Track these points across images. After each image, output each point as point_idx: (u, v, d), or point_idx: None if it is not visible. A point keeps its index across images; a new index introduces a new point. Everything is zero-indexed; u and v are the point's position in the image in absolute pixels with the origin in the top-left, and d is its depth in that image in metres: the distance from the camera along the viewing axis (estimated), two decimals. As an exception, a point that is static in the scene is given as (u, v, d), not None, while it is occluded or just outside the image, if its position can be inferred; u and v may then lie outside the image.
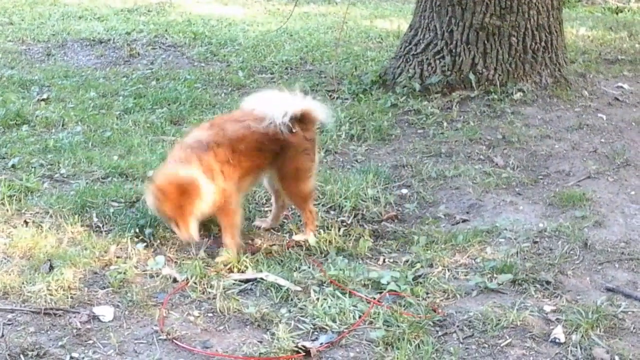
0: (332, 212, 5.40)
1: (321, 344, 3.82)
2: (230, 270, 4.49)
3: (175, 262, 4.58)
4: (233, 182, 4.66)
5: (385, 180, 5.90)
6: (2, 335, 3.78)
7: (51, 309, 4.01)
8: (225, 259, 4.55)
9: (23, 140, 6.51)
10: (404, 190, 5.85)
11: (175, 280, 4.36)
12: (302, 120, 4.82)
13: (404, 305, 4.18)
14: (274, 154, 4.77)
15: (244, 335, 3.91)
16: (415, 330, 3.92)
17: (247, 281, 4.38)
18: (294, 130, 4.76)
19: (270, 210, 5.23)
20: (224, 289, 4.26)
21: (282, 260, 4.66)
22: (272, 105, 4.78)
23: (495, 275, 4.53)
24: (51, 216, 5.05)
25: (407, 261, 4.73)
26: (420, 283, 4.43)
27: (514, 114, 7.38)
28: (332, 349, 3.81)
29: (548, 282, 4.48)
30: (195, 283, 4.32)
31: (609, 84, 8.55)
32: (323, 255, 4.76)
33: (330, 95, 8.03)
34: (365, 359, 3.74)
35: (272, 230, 5.12)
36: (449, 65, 7.83)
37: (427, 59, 7.95)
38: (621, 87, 8.47)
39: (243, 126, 4.73)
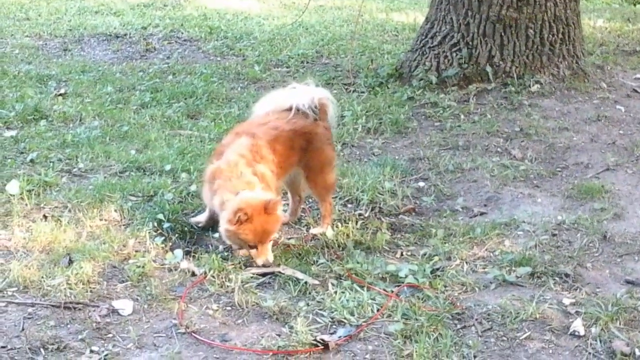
0: (349, 206, 5.39)
1: (339, 337, 3.82)
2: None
3: (194, 255, 4.59)
4: (279, 182, 4.74)
5: (402, 173, 5.89)
6: (23, 329, 3.80)
7: (71, 302, 4.03)
8: None
9: (41, 135, 6.54)
10: (421, 183, 5.84)
11: (193, 274, 4.37)
12: (320, 108, 4.88)
13: (422, 299, 4.18)
14: (302, 149, 4.79)
15: (263, 328, 3.91)
16: (433, 324, 3.91)
17: (265, 275, 4.39)
18: (317, 118, 4.83)
19: (288, 204, 5.23)
20: (242, 282, 4.26)
21: (300, 254, 4.66)
22: (296, 94, 4.84)
23: (513, 268, 4.52)
24: (70, 210, 5.07)
25: (425, 254, 4.73)
26: (439, 276, 4.43)
27: (531, 106, 7.35)
28: (351, 343, 3.81)
29: (567, 275, 4.46)
30: (213, 277, 4.32)
31: (627, 75, 8.49)
32: (341, 249, 4.76)
33: (347, 89, 8.02)
34: (384, 352, 3.74)
35: (290, 223, 5.13)
36: (465, 58, 7.80)
37: (443, 51, 7.92)
38: (639, 78, 8.41)
39: (270, 127, 4.74)
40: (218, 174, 4.54)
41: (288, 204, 5.23)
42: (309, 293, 4.21)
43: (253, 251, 4.43)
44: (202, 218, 4.92)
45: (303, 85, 5.04)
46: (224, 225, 4.42)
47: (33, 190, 5.32)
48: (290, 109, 4.82)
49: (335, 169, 5.07)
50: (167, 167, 5.79)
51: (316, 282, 4.32)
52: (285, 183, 5.07)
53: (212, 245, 4.73)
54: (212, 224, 4.70)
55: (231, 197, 4.40)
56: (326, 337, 3.78)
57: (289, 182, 5.05)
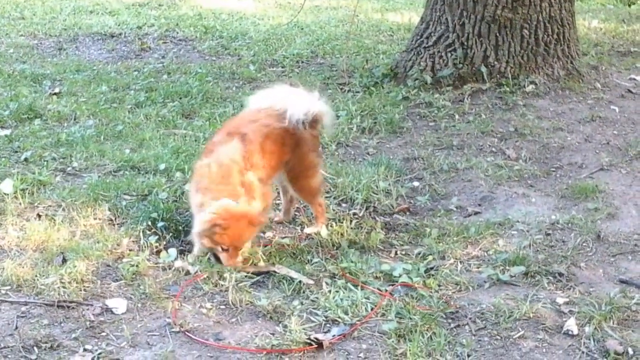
0: (343, 205, 5.40)
1: (333, 336, 3.82)
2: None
3: (188, 254, 4.58)
4: (269, 181, 4.72)
5: (396, 173, 5.89)
6: (16, 328, 3.80)
7: (64, 301, 4.02)
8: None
9: (35, 134, 6.53)
10: (416, 183, 5.84)
11: (187, 273, 4.36)
12: (313, 120, 4.85)
13: (416, 298, 4.18)
14: (291, 148, 4.77)
15: (257, 327, 3.91)
16: (427, 323, 3.91)
17: (259, 274, 4.38)
18: (306, 127, 4.80)
19: (281, 203, 5.23)
20: (236, 281, 4.26)
21: (294, 253, 4.66)
22: (293, 102, 4.79)
23: (507, 267, 4.52)
24: (64, 209, 5.06)
25: (419, 253, 4.73)
26: (432, 275, 4.43)
27: (526, 106, 7.36)
28: (345, 341, 3.81)
29: (561, 274, 4.46)
30: (207, 276, 4.31)
31: (622, 76, 8.51)
32: (335, 248, 4.76)
33: (342, 89, 8.02)
34: (378, 351, 3.74)
35: (284, 223, 5.12)
36: (460, 58, 7.81)
37: (438, 51, 7.93)
38: (634, 79, 8.43)
39: (262, 125, 4.69)
40: (208, 174, 4.49)
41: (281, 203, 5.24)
42: (303, 292, 4.21)
43: (223, 254, 4.39)
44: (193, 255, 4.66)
45: (304, 92, 4.96)
46: (199, 227, 4.36)
47: (27, 189, 5.31)
48: (283, 114, 4.78)
49: (319, 174, 5.03)
50: (162, 167, 5.78)
51: (310, 281, 4.32)
52: (278, 182, 5.06)
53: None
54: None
55: (212, 203, 4.35)
56: (320, 336, 3.78)
57: (281, 182, 5.04)
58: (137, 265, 4.36)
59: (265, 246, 4.70)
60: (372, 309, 4.05)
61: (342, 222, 5.03)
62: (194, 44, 10.35)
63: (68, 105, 7.35)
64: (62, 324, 3.87)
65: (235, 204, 4.37)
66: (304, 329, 3.86)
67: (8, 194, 5.19)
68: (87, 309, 3.98)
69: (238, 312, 4.04)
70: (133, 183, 5.48)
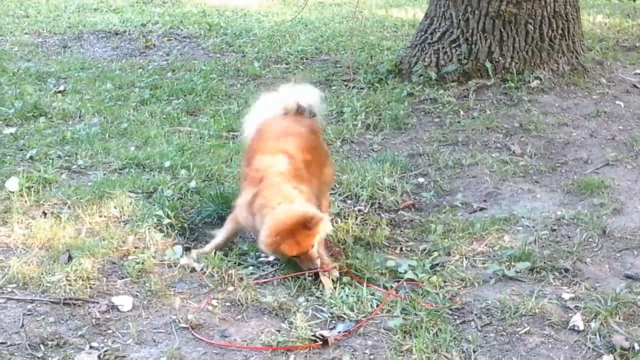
0: (348, 201, 5.39)
1: (339, 332, 3.82)
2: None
3: (193, 251, 4.58)
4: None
5: (401, 169, 5.89)
6: (22, 325, 3.80)
7: (70, 299, 4.03)
8: None
9: (41, 132, 6.54)
10: (421, 179, 5.84)
11: (193, 270, 4.36)
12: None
13: (422, 294, 4.17)
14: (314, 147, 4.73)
15: (262, 324, 3.91)
16: (433, 319, 3.91)
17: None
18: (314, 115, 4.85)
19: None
20: (241, 279, 4.26)
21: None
22: (300, 91, 4.83)
23: (513, 263, 4.52)
24: (69, 207, 5.07)
25: (424, 250, 4.73)
26: (438, 271, 4.43)
27: (531, 102, 7.34)
28: (350, 338, 3.81)
29: (566, 270, 4.46)
30: (212, 273, 4.32)
31: (627, 71, 8.49)
32: (340, 244, 4.76)
33: (346, 85, 8.02)
34: (383, 347, 3.74)
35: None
36: (465, 54, 7.79)
37: (443, 47, 7.91)
38: (639, 74, 8.40)
39: (295, 135, 4.60)
40: (259, 197, 4.35)
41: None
42: (308, 288, 4.21)
43: (297, 260, 4.29)
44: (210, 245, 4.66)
45: (300, 84, 4.99)
46: (262, 244, 4.26)
47: (32, 187, 5.32)
48: (293, 109, 4.77)
49: (332, 162, 5.05)
50: (167, 164, 5.79)
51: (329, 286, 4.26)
52: None
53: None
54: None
55: (270, 211, 4.24)
56: (325, 333, 3.78)
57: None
58: (142, 263, 4.37)
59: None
60: (377, 306, 4.05)
61: (347, 219, 5.03)
62: (198, 41, 10.36)
63: (73, 103, 7.37)
64: (68, 322, 3.87)
65: (291, 206, 4.24)
66: (309, 325, 3.86)
67: (14, 192, 5.20)
68: (93, 307, 3.99)
69: (244, 309, 4.04)
70: (138, 180, 5.49)
